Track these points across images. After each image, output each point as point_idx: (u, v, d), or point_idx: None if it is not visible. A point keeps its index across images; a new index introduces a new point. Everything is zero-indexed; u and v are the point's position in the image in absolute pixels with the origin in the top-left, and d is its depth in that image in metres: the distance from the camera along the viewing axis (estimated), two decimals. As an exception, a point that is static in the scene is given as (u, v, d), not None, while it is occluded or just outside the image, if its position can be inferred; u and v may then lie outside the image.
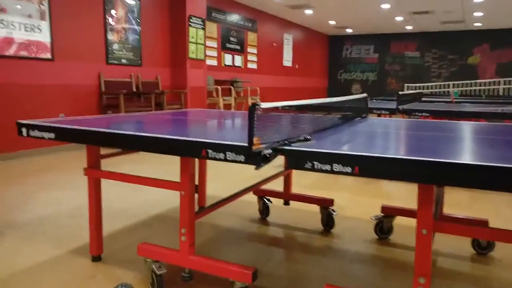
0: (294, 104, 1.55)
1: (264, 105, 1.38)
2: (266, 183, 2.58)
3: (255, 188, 2.50)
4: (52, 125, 1.79)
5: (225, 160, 1.40)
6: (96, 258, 2.03)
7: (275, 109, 1.65)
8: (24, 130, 1.85)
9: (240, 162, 1.37)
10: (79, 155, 5.23)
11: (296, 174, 3.96)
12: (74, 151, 5.55)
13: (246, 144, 1.31)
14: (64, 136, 1.74)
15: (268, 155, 1.35)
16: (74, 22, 5.65)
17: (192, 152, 1.45)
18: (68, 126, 1.76)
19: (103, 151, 2.09)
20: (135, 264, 1.99)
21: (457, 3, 9.18)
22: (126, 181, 1.82)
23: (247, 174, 3.95)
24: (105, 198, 3.16)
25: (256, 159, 1.32)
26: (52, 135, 1.77)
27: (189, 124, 2.02)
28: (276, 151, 1.35)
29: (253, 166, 1.35)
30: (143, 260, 2.02)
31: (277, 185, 3.50)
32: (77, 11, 5.68)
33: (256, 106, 1.33)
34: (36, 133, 1.82)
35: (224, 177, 3.89)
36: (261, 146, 1.32)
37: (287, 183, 2.74)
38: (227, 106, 8.70)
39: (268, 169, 3.58)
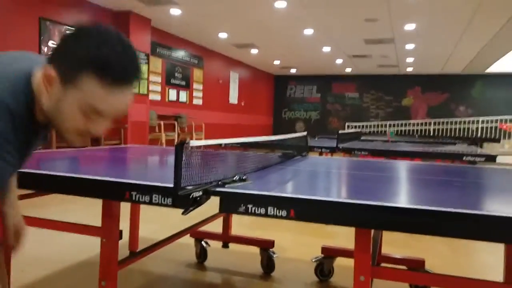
0: (229, 142, 1.47)
1: (195, 142, 1.29)
2: (205, 224, 2.45)
3: (192, 230, 2.36)
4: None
5: (151, 203, 1.29)
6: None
7: (218, 146, 1.56)
8: None
9: (167, 205, 1.26)
10: None
11: (238, 213, 3.85)
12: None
13: (171, 186, 1.20)
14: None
15: (198, 198, 1.25)
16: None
17: (113, 194, 1.32)
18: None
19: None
20: (48, 323, 1.74)
21: (391, 49, 9.88)
22: (39, 226, 1.62)
23: (182, 216, 3.77)
24: (23, 243, 2.83)
25: (185, 202, 1.22)
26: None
27: (120, 162, 1.88)
28: (208, 194, 1.27)
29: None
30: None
31: (217, 225, 3.35)
32: (11, 40, 5.35)
33: (185, 144, 1.24)
34: None
35: (160, 218, 3.68)
36: (190, 188, 1.22)
37: (227, 223, 2.63)
38: (170, 142, 8.48)
39: (208, 209, 3.43)
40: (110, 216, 1.51)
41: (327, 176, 1.63)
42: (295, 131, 15.30)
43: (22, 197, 1.84)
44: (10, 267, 1.78)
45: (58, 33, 6.09)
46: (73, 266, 2.42)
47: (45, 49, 5.87)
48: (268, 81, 15.28)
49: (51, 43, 5.97)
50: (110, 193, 1.33)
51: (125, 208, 3.79)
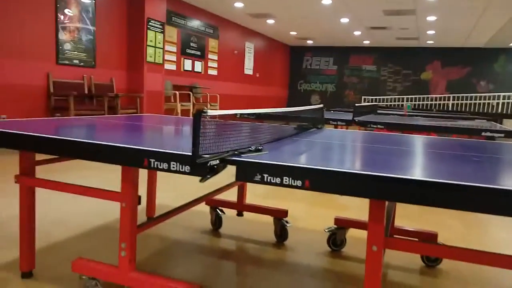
0: (245, 112, 1.48)
1: (212, 112, 1.30)
2: (220, 192, 2.49)
3: (207, 198, 2.41)
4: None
5: (169, 170, 1.33)
6: (27, 275, 1.85)
7: (232, 116, 1.58)
8: None
9: (185, 173, 1.29)
10: (15, 159, 4.89)
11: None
12: (9, 154, 5.19)
13: (190, 154, 1.22)
14: (-9, 139, 1.57)
15: (215, 166, 1.28)
16: (22, 18, 5.32)
17: (133, 161, 1.36)
18: (-4, 129, 1.59)
19: (41, 157, 1.92)
20: (70, 282, 1.83)
21: (411, 21, 9.58)
22: (61, 190, 1.67)
23: (202, 184, 3.84)
24: (41, 207, 2.93)
25: (202, 170, 1.25)
26: (-23, 138, 1.59)
27: (138, 130, 1.91)
28: (225, 162, 1.29)
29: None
30: (78, 277, 1.86)
31: (232, 194, 3.41)
32: (27, 6, 5.36)
33: (203, 114, 1.25)
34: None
35: (177, 187, 3.76)
36: (207, 156, 1.24)
37: (241, 193, 2.67)
38: (186, 112, 8.53)
39: (223, 178, 3.49)
40: (129, 182, 1.55)
41: (343, 149, 1.63)
42: (310, 104, 15.19)
43: (41, 162, 1.90)
44: (35, 228, 1.86)
45: (74, 1, 6.07)
46: (95, 229, 2.51)
47: (62, 17, 5.87)
48: (284, 52, 15.06)
49: (67, 11, 5.97)
50: (130, 160, 1.36)
51: (144, 175, 3.88)
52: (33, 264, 1.87)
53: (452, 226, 2.98)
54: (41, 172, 3.95)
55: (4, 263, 1.99)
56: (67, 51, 6.00)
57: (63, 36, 5.91)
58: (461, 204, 1.03)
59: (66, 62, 6.00)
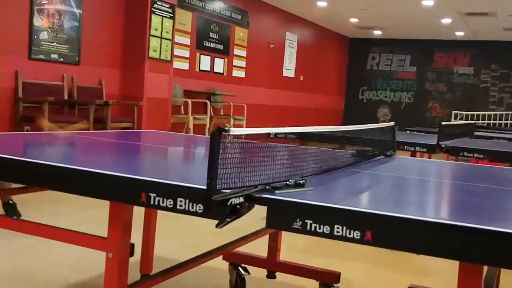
0: (283, 131, 1.50)
1: (237, 130, 1.32)
2: (245, 243, 2.49)
3: (226, 251, 2.42)
4: None
5: (175, 210, 1.36)
6: None
7: (264, 136, 1.60)
8: None
9: (196, 214, 1.31)
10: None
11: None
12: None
13: (204, 187, 1.24)
14: None
15: (238, 206, 1.29)
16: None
17: (125, 195, 1.41)
18: None
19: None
20: None
21: (526, 4, 9.45)
22: (25, 231, 1.73)
23: (219, 230, 3.85)
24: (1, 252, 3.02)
25: (221, 211, 1.26)
26: None
27: (134, 153, 1.95)
28: (252, 201, 1.30)
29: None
30: None
31: (261, 247, 3.40)
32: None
33: (224, 132, 1.28)
34: None
35: (184, 232, 3.78)
36: (228, 192, 1.26)
37: (274, 246, 2.67)
38: (200, 128, 8.64)
39: (250, 223, 3.49)
40: (119, 224, 1.58)
41: (423, 187, 1.62)
42: (376, 120, 15.08)
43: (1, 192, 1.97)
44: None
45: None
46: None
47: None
48: (340, 47, 15.13)
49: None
50: (121, 194, 1.40)
51: (138, 215, 3.92)
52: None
53: None
54: None
55: None
56: (43, 42, 6.26)
57: (39, 21, 6.18)
58: None
59: (42, 56, 6.25)
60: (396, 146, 2.68)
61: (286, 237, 3.77)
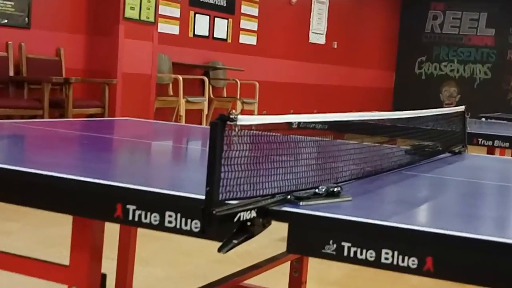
0: (309, 119, 1.48)
1: (246, 118, 1.31)
2: (259, 273, 2.49)
3: (233, 283, 2.42)
4: None
5: (162, 228, 1.35)
6: None
7: (283, 127, 1.59)
8: None
9: (191, 233, 1.30)
10: None
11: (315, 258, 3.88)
12: None
13: (201, 197, 1.23)
14: None
15: (248, 223, 1.28)
16: None
17: (94, 208, 1.39)
18: None
19: None
20: None
21: None
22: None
23: (223, 255, 3.85)
24: None
25: (224, 229, 1.25)
26: None
27: (105, 149, 1.95)
28: (267, 215, 1.30)
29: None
30: None
31: (279, 277, 3.40)
32: None
33: (228, 122, 1.26)
34: None
35: (174, 258, 3.80)
36: (234, 203, 1.25)
37: (298, 275, 2.66)
38: (195, 115, 8.63)
39: (264, 245, 3.52)
40: (85, 247, 1.57)
41: (505, 197, 1.61)
42: (440, 103, 15.03)
43: None
44: None
45: None
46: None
47: None
48: (388, 3, 15.07)
49: None
50: (88, 206, 1.40)
51: (111, 234, 3.95)
52: None
53: None
54: None
55: None
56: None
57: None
58: None
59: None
60: (468, 140, 2.67)
61: (314, 265, 3.78)
